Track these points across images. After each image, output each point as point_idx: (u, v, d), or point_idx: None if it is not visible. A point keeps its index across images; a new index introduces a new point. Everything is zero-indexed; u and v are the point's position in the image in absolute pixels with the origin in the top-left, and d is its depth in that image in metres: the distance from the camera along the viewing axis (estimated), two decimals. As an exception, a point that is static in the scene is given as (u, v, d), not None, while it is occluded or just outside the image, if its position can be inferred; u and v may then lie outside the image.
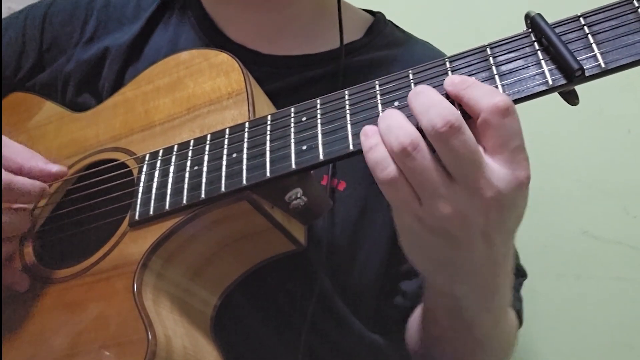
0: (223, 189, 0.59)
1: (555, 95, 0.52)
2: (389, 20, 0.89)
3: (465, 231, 0.51)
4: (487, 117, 0.49)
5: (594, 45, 0.49)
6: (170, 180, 0.63)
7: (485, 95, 0.49)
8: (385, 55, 0.82)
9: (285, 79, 0.79)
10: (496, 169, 0.49)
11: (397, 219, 0.56)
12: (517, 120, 0.49)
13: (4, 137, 0.68)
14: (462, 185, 0.49)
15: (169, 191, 0.63)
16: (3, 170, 0.63)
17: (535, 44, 0.52)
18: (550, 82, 0.50)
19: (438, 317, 0.68)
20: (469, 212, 0.50)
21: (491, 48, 0.53)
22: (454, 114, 0.48)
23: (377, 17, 0.88)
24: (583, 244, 1.00)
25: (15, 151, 0.67)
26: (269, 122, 0.60)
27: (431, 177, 0.49)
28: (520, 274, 0.85)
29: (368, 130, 0.53)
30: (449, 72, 0.54)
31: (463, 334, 0.67)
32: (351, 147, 0.54)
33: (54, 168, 0.67)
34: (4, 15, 0.94)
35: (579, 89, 0.51)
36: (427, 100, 0.50)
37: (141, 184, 0.65)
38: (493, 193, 0.49)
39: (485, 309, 0.63)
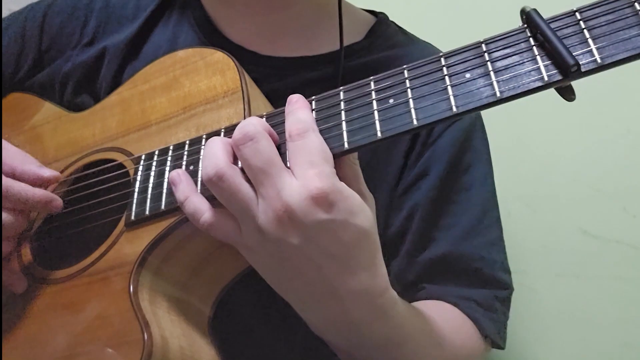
0: None
1: (554, 94, 0.51)
2: (392, 21, 0.89)
3: (274, 247, 0.53)
4: (287, 143, 0.54)
5: (590, 40, 0.49)
6: (166, 180, 0.63)
7: (290, 124, 0.54)
8: (385, 57, 0.82)
9: (284, 80, 0.79)
10: (292, 183, 0.51)
11: (243, 254, 0.58)
12: (311, 141, 0.52)
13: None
14: (260, 199, 0.52)
15: (164, 191, 0.63)
16: (3, 176, 0.63)
17: (531, 39, 0.51)
18: (546, 78, 0.49)
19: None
20: (266, 227, 0.52)
21: (486, 44, 0.53)
22: (254, 125, 0.53)
23: (379, 18, 0.87)
24: (583, 243, 0.99)
25: (9, 154, 0.67)
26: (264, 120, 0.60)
27: (238, 196, 0.53)
28: (499, 285, 0.80)
29: (174, 178, 0.59)
30: (444, 69, 0.53)
31: None
32: (346, 145, 0.54)
33: (47, 173, 0.67)
34: (3, 16, 0.95)
35: (579, 87, 0.51)
36: (242, 122, 0.54)
37: (137, 184, 0.65)
38: (281, 203, 0.51)
39: (357, 345, 0.61)
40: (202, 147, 0.63)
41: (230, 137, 0.55)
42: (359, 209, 0.53)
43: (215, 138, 0.56)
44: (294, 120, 0.54)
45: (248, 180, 0.53)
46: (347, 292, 0.55)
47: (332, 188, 0.51)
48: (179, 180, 0.58)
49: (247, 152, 0.52)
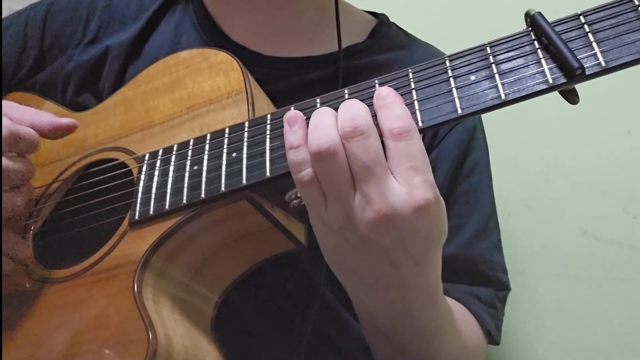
0: (223, 188, 0.59)
1: (556, 95, 0.52)
2: (393, 23, 0.89)
3: (358, 241, 0.53)
4: (385, 140, 0.51)
5: (594, 44, 0.49)
6: (170, 180, 0.63)
7: (387, 120, 0.52)
8: (387, 58, 0.82)
9: (286, 81, 0.79)
10: (395, 187, 0.50)
11: (310, 219, 0.57)
12: (414, 143, 0.51)
13: (7, 102, 0.67)
14: (360, 196, 0.51)
15: (168, 191, 0.63)
16: (10, 120, 0.62)
17: (535, 42, 0.52)
18: (551, 81, 0.50)
19: (364, 327, 0.69)
20: (359, 222, 0.51)
21: (491, 47, 0.53)
22: (365, 118, 0.51)
23: (381, 20, 0.88)
24: (583, 244, 1.00)
25: (20, 109, 0.66)
26: (268, 122, 0.60)
27: (338, 181, 0.51)
28: (500, 285, 0.83)
29: (292, 119, 0.54)
30: (449, 72, 0.54)
31: (392, 349, 0.67)
32: None
33: (63, 120, 0.66)
34: (4, 15, 0.94)
35: (579, 88, 0.51)
36: (347, 105, 0.52)
37: (141, 184, 0.65)
38: (383, 207, 0.50)
39: (403, 328, 0.62)
40: (207, 145, 0.63)
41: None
42: (445, 214, 0.54)
43: (326, 109, 0.53)
44: (392, 116, 0.52)
45: (349, 168, 0.51)
46: (414, 285, 0.57)
47: (436, 198, 0.51)
48: (296, 121, 0.54)
49: (357, 146, 0.50)
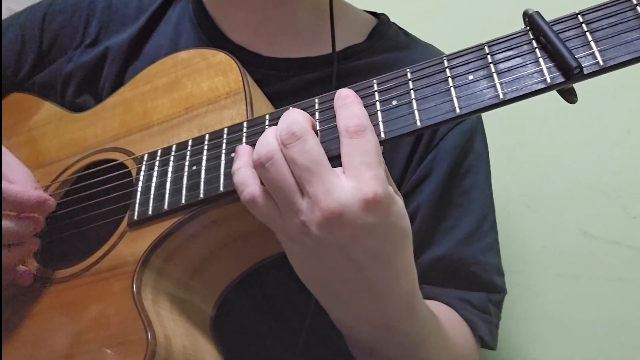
0: (222, 188, 0.59)
1: (555, 95, 0.52)
2: (393, 23, 0.89)
3: (316, 244, 0.52)
4: (341, 137, 0.52)
5: (592, 43, 0.49)
6: (168, 180, 0.63)
7: (344, 118, 0.53)
8: (386, 59, 0.82)
9: (285, 82, 0.79)
10: (342, 183, 0.50)
11: (277, 235, 0.57)
12: (368, 141, 0.51)
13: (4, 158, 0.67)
14: (308, 197, 0.51)
15: (167, 191, 0.63)
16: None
17: (533, 41, 0.52)
18: (549, 80, 0.49)
19: (348, 344, 0.68)
20: (311, 224, 0.51)
21: (489, 46, 0.53)
22: (300, 123, 0.52)
23: (381, 20, 0.87)
24: (583, 244, 1.00)
25: (10, 167, 0.66)
26: (267, 122, 0.60)
27: (284, 185, 0.52)
28: (494, 289, 0.82)
29: (240, 150, 0.57)
30: (447, 71, 0.54)
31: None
32: None
33: (51, 202, 0.66)
34: (4, 16, 0.95)
35: (578, 88, 0.51)
36: (284, 115, 0.54)
37: (140, 184, 0.66)
38: (331, 204, 0.50)
39: (384, 342, 0.62)
40: (205, 146, 0.63)
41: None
42: (404, 212, 0.54)
43: (270, 129, 0.55)
44: (349, 115, 0.53)
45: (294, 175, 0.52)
46: (385, 291, 0.56)
47: (387, 192, 0.51)
48: (243, 153, 0.57)
49: (295, 150, 0.51)
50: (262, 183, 0.54)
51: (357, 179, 0.50)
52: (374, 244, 0.52)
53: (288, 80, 0.79)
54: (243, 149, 0.57)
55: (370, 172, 0.50)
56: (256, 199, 0.54)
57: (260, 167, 0.53)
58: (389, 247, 0.53)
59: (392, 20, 0.89)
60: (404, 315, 0.59)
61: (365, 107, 0.55)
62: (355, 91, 0.57)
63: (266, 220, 0.55)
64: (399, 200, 0.53)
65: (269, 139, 0.53)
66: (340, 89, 0.56)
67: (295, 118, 0.53)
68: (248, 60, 0.73)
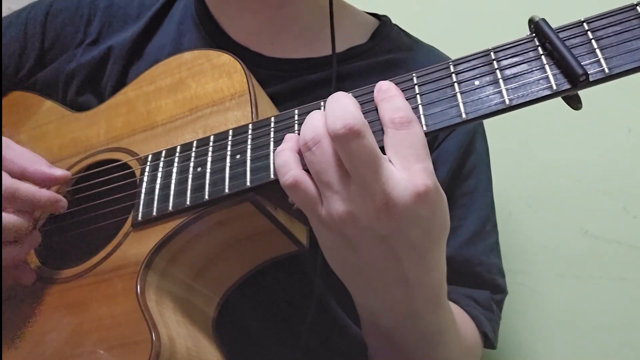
0: (227, 190, 0.59)
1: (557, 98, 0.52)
2: (395, 25, 0.89)
3: (359, 234, 0.52)
4: (386, 129, 0.52)
5: (597, 51, 0.49)
6: (173, 181, 0.63)
7: (389, 111, 0.52)
8: (388, 60, 0.82)
9: (287, 82, 0.79)
10: (395, 176, 0.50)
11: (310, 222, 0.57)
12: (415, 134, 0.51)
13: (5, 139, 0.67)
14: (357, 186, 0.50)
15: (172, 192, 0.63)
16: (9, 177, 0.62)
17: (539, 48, 0.52)
18: (555, 87, 0.50)
19: (364, 328, 0.69)
20: (360, 213, 0.50)
21: (495, 52, 0.53)
22: (356, 118, 0.49)
23: (383, 21, 0.87)
24: (583, 243, 1.00)
25: (18, 153, 0.66)
26: (272, 124, 0.60)
27: (328, 172, 0.51)
28: (496, 289, 0.83)
29: (287, 136, 0.56)
30: (453, 76, 0.54)
31: (393, 350, 0.67)
32: None
33: (57, 172, 0.66)
34: (4, 15, 0.94)
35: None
36: (335, 104, 0.51)
37: (144, 185, 0.66)
38: (384, 197, 0.49)
39: (405, 330, 0.62)
40: (210, 147, 0.63)
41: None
42: (447, 207, 0.54)
43: (316, 111, 0.54)
44: (393, 107, 0.52)
45: (339, 159, 0.51)
46: (418, 283, 0.56)
47: (436, 186, 0.51)
48: (289, 139, 0.56)
49: (353, 146, 0.49)
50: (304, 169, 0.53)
51: (408, 170, 0.50)
52: (416, 236, 0.52)
53: (290, 81, 0.79)
54: (291, 135, 0.56)
55: (420, 164, 0.50)
56: (298, 182, 0.52)
57: (306, 149, 0.52)
58: (429, 240, 0.54)
59: (393, 22, 0.89)
60: (431, 307, 0.60)
61: (371, 111, 0.55)
62: (361, 94, 0.57)
63: (305, 207, 0.54)
64: (444, 195, 0.53)
65: (316, 123, 0.52)
66: (380, 82, 0.55)
67: (350, 112, 0.50)
68: (250, 60, 0.73)
